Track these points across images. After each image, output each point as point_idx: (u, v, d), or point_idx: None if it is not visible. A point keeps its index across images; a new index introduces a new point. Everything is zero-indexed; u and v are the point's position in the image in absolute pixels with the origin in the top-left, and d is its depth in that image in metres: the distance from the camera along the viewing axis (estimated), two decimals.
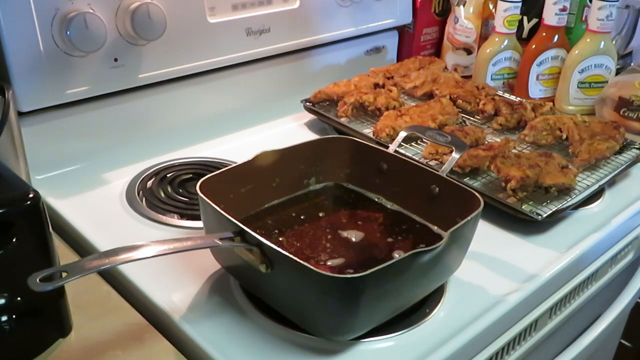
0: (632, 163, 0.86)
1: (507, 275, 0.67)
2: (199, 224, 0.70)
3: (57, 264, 0.53)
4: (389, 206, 0.72)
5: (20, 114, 0.74)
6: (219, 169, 0.66)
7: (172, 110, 0.92)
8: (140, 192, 0.78)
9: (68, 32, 0.74)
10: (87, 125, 0.83)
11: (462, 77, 1.09)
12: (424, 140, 0.83)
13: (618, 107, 0.99)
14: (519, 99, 1.01)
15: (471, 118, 0.98)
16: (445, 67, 1.14)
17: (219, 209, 0.57)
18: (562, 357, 0.78)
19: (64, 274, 0.46)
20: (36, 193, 0.49)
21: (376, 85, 1.00)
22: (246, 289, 0.62)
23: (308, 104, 0.97)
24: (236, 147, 0.89)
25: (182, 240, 0.53)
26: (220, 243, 0.55)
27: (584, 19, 1.08)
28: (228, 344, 0.56)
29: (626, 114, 0.99)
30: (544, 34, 1.05)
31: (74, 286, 0.50)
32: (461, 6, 1.15)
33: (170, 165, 0.84)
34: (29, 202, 0.49)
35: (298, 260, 0.51)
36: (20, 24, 0.72)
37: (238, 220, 0.56)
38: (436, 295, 0.62)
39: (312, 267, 0.51)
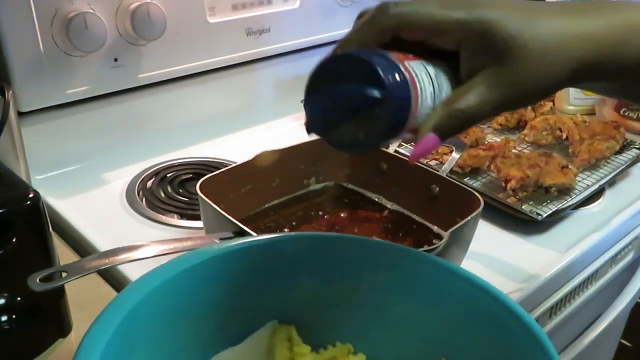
0: (632, 163, 0.86)
1: (507, 275, 0.67)
2: (199, 224, 0.70)
3: (57, 264, 0.53)
4: (389, 206, 0.72)
5: (20, 114, 0.74)
6: (219, 169, 0.66)
7: (172, 110, 0.92)
8: (140, 192, 0.78)
9: (68, 32, 0.74)
10: (87, 125, 0.83)
11: None
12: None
13: (618, 107, 0.99)
14: None
15: None
16: None
17: (219, 209, 0.57)
18: (562, 357, 0.78)
19: (64, 274, 0.46)
20: (36, 193, 0.49)
21: None
22: None
23: None
24: (236, 147, 0.89)
25: (182, 240, 0.53)
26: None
27: None
28: None
29: (626, 114, 0.99)
30: None
31: (74, 286, 0.50)
32: None
33: (170, 165, 0.84)
34: (29, 202, 0.49)
35: None
36: (20, 24, 0.72)
37: (238, 220, 0.56)
38: None
39: None
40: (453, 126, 0.38)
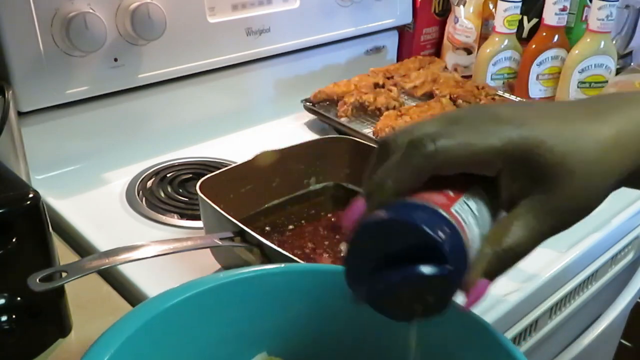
0: None
1: (507, 275, 0.66)
2: (199, 224, 0.70)
3: (57, 264, 0.53)
4: None
5: (20, 114, 0.74)
6: (219, 169, 0.67)
7: (172, 110, 0.92)
8: (140, 192, 0.78)
9: (68, 32, 0.74)
10: (87, 125, 0.83)
11: (462, 77, 1.09)
12: None
13: None
14: (519, 99, 1.00)
15: None
16: (445, 67, 1.14)
17: (219, 209, 0.57)
18: (562, 357, 0.78)
19: (64, 274, 0.46)
20: (36, 193, 0.49)
21: (376, 85, 1.00)
22: None
23: (308, 104, 0.97)
24: (236, 147, 0.89)
25: (182, 240, 0.53)
26: (220, 243, 0.55)
27: (584, 18, 1.08)
28: None
29: None
30: (544, 34, 1.05)
31: (74, 286, 0.50)
32: (461, 6, 1.15)
33: (170, 165, 0.84)
34: (29, 202, 0.49)
35: (298, 260, 0.51)
36: (20, 24, 0.72)
37: (238, 220, 0.56)
38: None
39: None
40: (504, 266, 0.35)
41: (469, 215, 0.34)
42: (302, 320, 0.46)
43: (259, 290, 0.45)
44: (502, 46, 1.08)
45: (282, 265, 0.46)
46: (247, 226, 0.55)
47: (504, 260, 0.34)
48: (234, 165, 0.68)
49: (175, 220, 0.73)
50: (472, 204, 0.35)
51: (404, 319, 0.35)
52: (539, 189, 0.34)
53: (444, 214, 0.33)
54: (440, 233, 0.32)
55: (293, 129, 0.97)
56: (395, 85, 1.02)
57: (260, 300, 0.45)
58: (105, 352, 0.36)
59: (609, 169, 0.35)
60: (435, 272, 0.32)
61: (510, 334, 0.65)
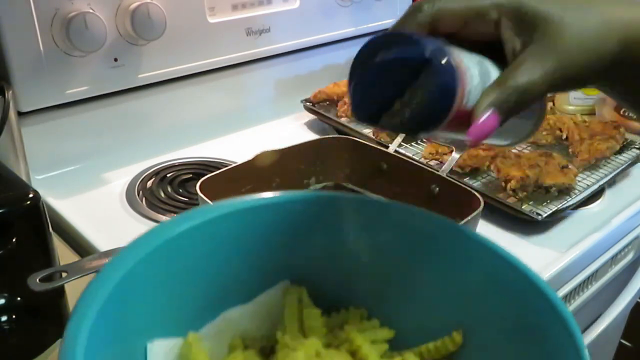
0: (632, 163, 0.86)
1: None
2: None
3: (57, 264, 0.53)
4: None
5: (20, 114, 0.74)
6: (219, 169, 0.67)
7: (172, 110, 0.92)
8: (140, 192, 0.78)
9: (68, 32, 0.74)
10: (87, 125, 0.83)
11: None
12: (424, 140, 0.84)
13: (618, 107, 0.99)
14: None
15: None
16: None
17: None
18: None
19: (64, 274, 0.46)
20: (36, 193, 0.49)
21: None
22: None
23: (308, 104, 0.97)
24: (236, 147, 0.89)
25: None
26: None
27: None
28: None
29: (626, 113, 0.99)
30: None
31: (74, 286, 0.50)
32: None
33: (170, 165, 0.84)
34: (29, 202, 0.49)
35: None
36: (20, 24, 0.72)
37: None
38: None
39: None
40: (511, 103, 0.36)
41: (466, 55, 0.36)
42: (326, 249, 0.45)
43: (278, 217, 0.43)
44: None
45: (300, 192, 0.45)
46: None
47: (510, 95, 0.36)
48: (234, 165, 0.68)
49: None
50: (475, 55, 0.37)
51: (394, 127, 0.37)
52: (537, 38, 0.37)
53: (434, 39, 0.36)
54: (421, 37, 0.36)
55: (293, 129, 0.97)
56: None
57: (281, 226, 0.43)
58: (114, 276, 0.35)
59: (605, 27, 0.37)
60: (411, 53, 0.35)
61: None
